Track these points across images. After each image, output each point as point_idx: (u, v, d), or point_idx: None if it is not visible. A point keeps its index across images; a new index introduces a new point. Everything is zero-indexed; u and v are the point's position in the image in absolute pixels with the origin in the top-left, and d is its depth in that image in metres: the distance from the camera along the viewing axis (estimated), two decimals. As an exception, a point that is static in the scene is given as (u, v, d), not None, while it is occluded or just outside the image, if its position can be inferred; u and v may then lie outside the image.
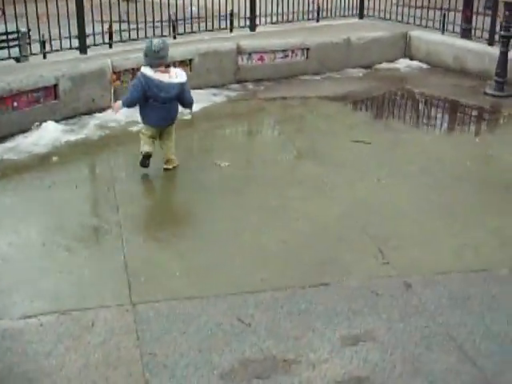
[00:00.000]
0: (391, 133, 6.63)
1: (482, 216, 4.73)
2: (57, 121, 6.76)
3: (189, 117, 6.76)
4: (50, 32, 7.18)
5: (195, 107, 7.10)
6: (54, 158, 5.88)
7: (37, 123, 6.59)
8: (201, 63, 8.04)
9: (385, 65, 9.53)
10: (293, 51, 8.79)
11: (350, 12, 10.55)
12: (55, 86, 6.83)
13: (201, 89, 7.91)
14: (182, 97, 5.40)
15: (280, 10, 9.40)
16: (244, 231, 4.48)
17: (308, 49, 8.87)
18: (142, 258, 4.10)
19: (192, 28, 8.66)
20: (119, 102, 5.42)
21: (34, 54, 7.49)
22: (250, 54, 8.47)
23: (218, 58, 8.18)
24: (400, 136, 6.51)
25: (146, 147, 5.39)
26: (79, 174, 5.58)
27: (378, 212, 4.78)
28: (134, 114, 5.78)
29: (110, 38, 8.22)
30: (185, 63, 7.93)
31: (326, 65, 9.03)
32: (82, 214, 4.77)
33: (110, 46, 8.30)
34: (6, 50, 7.39)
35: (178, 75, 5.31)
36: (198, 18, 8.90)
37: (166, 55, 5.30)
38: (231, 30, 9.03)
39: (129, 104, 5.35)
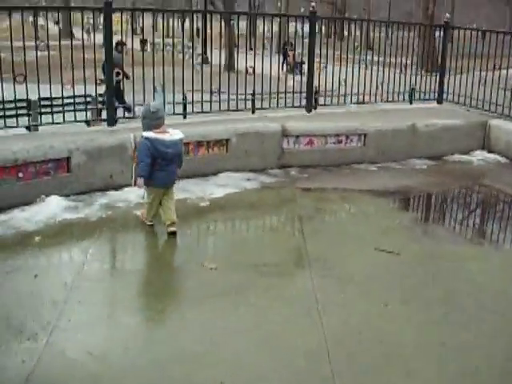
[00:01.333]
0: (430, 243, 5.55)
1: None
2: (67, 195, 6.31)
3: (206, 203, 6.15)
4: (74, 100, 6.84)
5: (219, 193, 6.58)
6: (37, 238, 5.34)
7: (43, 196, 6.15)
8: (239, 144, 7.38)
9: (457, 157, 8.47)
10: (347, 136, 7.95)
11: (429, 96, 9.62)
12: (68, 158, 6.39)
13: (237, 172, 7.26)
14: (179, 155, 5.59)
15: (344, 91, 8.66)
16: (189, 362, 3.61)
17: (365, 135, 7.99)
18: None
19: (262, 104, 8.13)
20: (138, 179, 5.47)
21: (57, 123, 7.11)
22: (297, 136, 7.72)
23: (259, 140, 7.48)
24: (440, 248, 5.42)
25: (148, 220, 5.67)
26: (48, 261, 4.98)
27: (364, 352, 3.73)
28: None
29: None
30: (220, 143, 7.31)
31: (386, 154, 8.10)
32: (24, 309, 4.10)
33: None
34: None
35: (175, 133, 5.50)
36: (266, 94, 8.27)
37: (163, 116, 5.51)
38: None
39: (146, 170, 5.36)
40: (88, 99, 8.71)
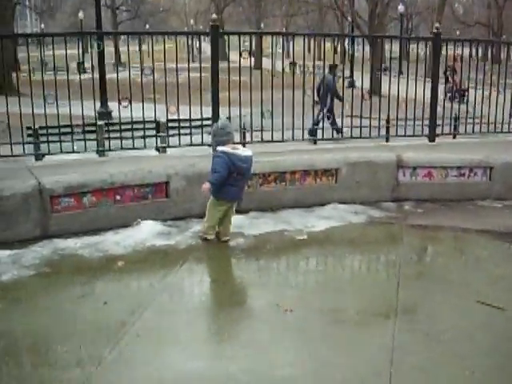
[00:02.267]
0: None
1: None
2: (164, 220, 6.24)
3: (304, 237, 5.80)
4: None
5: (320, 226, 6.17)
6: (120, 264, 5.28)
7: (139, 220, 6.13)
8: (349, 175, 6.91)
9: None
10: (471, 169, 7.16)
11: None
12: (166, 183, 6.32)
13: (345, 203, 6.80)
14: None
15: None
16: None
17: (491, 168, 7.15)
18: None
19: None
20: (207, 184, 5.55)
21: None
22: (414, 168, 7.08)
23: (371, 170, 6.96)
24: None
25: (210, 234, 5.77)
26: (123, 288, 4.86)
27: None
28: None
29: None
30: (329, 173, 6.89)
31: (517, 189, 7.20)
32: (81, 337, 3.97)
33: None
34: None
35: (245, 150, 5.65)
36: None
37: (232, 132, 5.66)
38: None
39: (220, 182, 5.50)
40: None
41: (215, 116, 6.96)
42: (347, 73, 14.34)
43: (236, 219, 6.09)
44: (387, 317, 4.35)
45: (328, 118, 9.02)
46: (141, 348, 3.93)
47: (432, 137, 7.81)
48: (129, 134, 7.29)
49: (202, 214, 6.29)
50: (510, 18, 42.96)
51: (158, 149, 7.98)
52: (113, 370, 3.68)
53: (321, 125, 8.11)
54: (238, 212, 6.27)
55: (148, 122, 8.01)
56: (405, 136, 7.82)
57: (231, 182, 5.54)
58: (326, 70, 8.52)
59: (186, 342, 4.05)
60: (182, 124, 8.42)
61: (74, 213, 5.97)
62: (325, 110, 10.16)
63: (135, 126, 7.45)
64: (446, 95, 11.46)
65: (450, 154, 7.25)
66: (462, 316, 4.38)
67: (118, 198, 6.13)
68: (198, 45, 7.21)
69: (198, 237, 5.81)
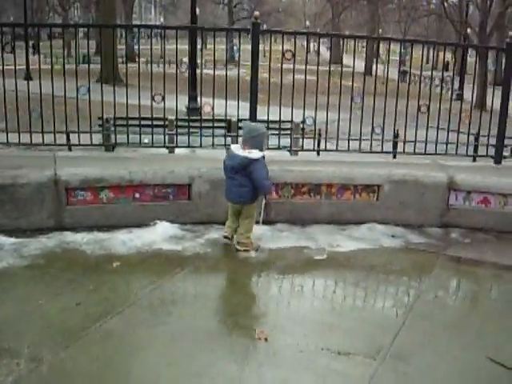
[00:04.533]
0: None
1: None
2: (184, 223, 5.94)
3: (323, 257, 5.33)
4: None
5: (347, 247, 5.64)
6: (114, 265, 5.05)
7: (156, 221, 5.87)
8: (392, 193, 6.28)
9: None
10: (537, 199, 6.30)
11: None
12: (189, 185, 6.01)
13: (384, 224, 6.19)
14: (249, 176, 5.33)
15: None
16: None
17: (553, 197, 6.26)
18: None
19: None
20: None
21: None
22: (468, 192, 6.33)
23: (418, 191, 6.28)
24: None
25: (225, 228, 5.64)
26: (103, 292, 4.56)
27: None
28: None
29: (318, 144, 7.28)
30: (371, 189, 6.30)
31: None
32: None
33: (318, 154, 7.39)
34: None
35: (251, 152, 5.33)
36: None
37: (244, 134, 5.46)
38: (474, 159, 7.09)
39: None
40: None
41: (252, 117, 6.55)
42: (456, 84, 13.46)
43: (258, 229, 5.75)
44: (369, 364, 3.76)
45: None
46: (85, 358, 3.63)
47: (498, 157, 6.97)
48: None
49: (224, 221, 5.96)
50: None
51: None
52: (44, 375, 3.41)
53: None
54: (265, 223, 5.92)
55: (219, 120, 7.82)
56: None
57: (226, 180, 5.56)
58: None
59: (141, 356, 3.70)
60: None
61: (90, 207, 5.80)
62: None
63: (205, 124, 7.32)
64: None
65: (509, 178, 6.42)
66: (461, 372, 3.72)
67: (136, 195, 5.90)
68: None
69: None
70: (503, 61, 7.01)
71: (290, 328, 4.15)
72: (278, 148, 7.37)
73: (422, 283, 5.02)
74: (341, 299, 4.80)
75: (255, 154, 5.31)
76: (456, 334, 4.19)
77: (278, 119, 6.97)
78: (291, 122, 7.70)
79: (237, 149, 5.41)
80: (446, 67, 21.14)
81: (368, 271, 5.19)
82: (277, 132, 7.52)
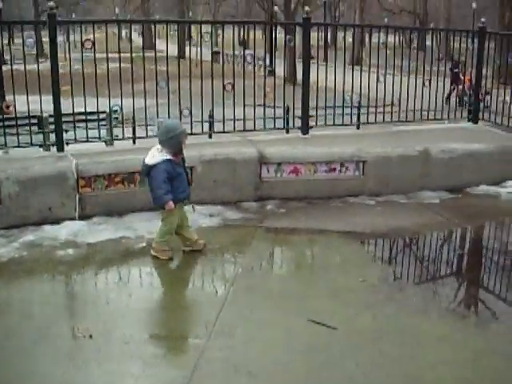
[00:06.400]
0: (391, 313, 4.24)
1: None
2: (-4, 229, 5.53)
3: (143, 244, 5.19)
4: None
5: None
6: None
7: (-33, 229, 5.40)
8: (205, 173, 6.32)
9: (482, 188, 6.99)
10: (342, 164, 6.69)
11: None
12: (-1, 188, 5.61)
13: (202, 204, 6.18)
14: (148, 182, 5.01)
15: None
16: None
17: (364, 162, 6.70)
18: None
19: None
20: None
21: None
22: (279, 164, 6.56)
23: (230, 168, 6.39)
24: (400, 323, 4.12)
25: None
26: None
27: None
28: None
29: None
30: (188, 171, 6.28)
31: (391, 185, 6.78)
32: None
33: (134, 142, 7.16)
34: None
35: (154, 157, 4.93)
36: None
37: (161, 135, 4.95)
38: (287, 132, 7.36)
39: None
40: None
41: (56, 110, 6.27)
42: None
43: (73, 225, 5.60)
44: (197, 344, 3.78)
45: None
46: None
47: (305, 128, 7.30)
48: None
49: (41, 221, 5.71)
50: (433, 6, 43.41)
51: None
52: None
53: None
54: (81, 218, 5.79)
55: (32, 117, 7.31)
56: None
57: None
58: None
59: None
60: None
61: None
62: None
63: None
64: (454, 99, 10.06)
65: (319, 147, 6.76)
66: (282, 339, 3.85)
67: None
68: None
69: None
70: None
71: (114, 321, 4.06)
72: (87, 140, 6.99)
73: (243, 257, 5.13)
74: (164, 284, 4.77)
75: (156, 158, 4.91)
76: (278, 302, 4.34)
77: (86, 111, 6.71)
78: (104, 112, 7.46)
79: (152, 152, 4.99)
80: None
81: (189, 253, 5.18)
82: (90, 124, 7.25)
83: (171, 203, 4.88)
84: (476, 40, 8.13)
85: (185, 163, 5.18)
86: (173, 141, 4.88)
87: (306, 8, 7.39)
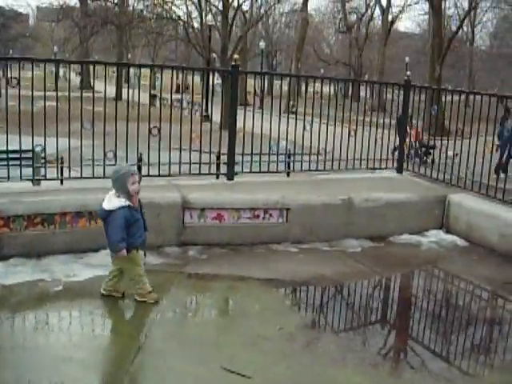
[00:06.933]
0: (307, 362, 4.19)
1: None
2: None
3: (59, 288, 5.00)
4: None
5: (83, 275, 5.43)
6: None
7: None
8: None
9: (405, 237, 7.13)
10: (266, 211, 6.70)
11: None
12: None
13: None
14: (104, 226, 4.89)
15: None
16: None
17: (288, 209, 6.73)
18: None
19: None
20: None
21: None
22: (202, 209, 6.50)
23: (154, 212, 6.27)
24: (314, 372, 4.07)
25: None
26: None
27: None
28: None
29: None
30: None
31: (315, 233, 6.83)
32: None
33: (61, 182, 7.01)
34: None
35: (110, 202, 4.86)
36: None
37: (112, 180, 4.92)
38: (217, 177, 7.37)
39: None
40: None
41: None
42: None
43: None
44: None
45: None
46: None
47: (230, 174, 7.30)
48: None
49: None
50: (368, 59, 44.94)
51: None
52: None
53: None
54: None
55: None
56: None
57: None
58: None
59: None
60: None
61: None
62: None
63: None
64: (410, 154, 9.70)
65: (243, 194, 6.75)
66: (191, 388, 3.74)
67: None
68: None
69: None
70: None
71: (23, 365, 3.84)
72: (8, 179, 6.79)
73: (161, 304, 4.98)
74: (77, 330, 4.58)
75: (114, 203, 4.83)
76: (193, 350, 4.24)
77: (18, 149, 6.56)
78: (29, 150, 7.30)
79: (109, 196, 4.90)
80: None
81: (108, 297, 5.02)
82: (17, 162, 7.05)
83: (124, 251, 4.80)
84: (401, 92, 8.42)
85: (142, 208, 5.11)
86: (118, 182, 4.85)
87: (235, 56, 7.50)
